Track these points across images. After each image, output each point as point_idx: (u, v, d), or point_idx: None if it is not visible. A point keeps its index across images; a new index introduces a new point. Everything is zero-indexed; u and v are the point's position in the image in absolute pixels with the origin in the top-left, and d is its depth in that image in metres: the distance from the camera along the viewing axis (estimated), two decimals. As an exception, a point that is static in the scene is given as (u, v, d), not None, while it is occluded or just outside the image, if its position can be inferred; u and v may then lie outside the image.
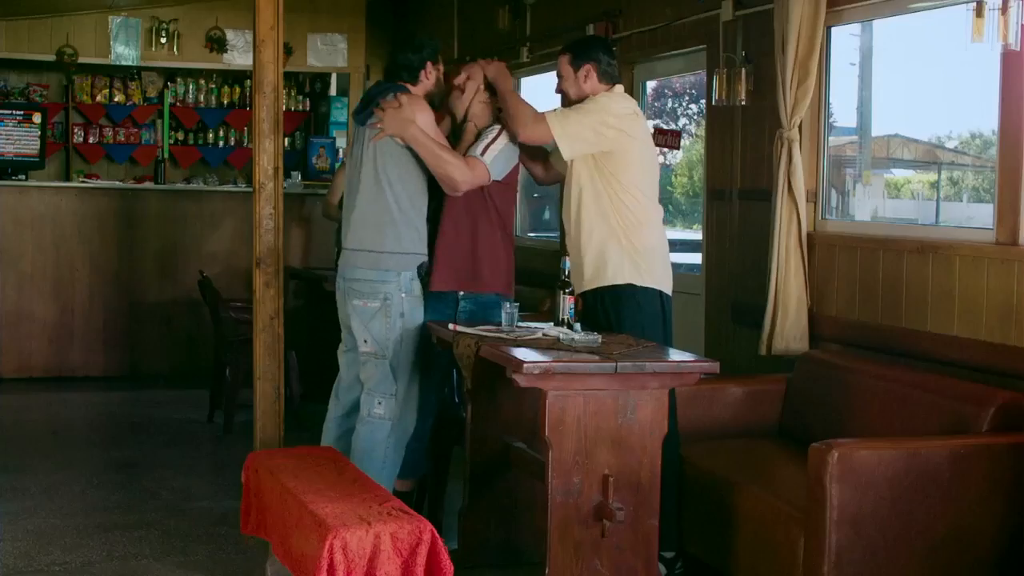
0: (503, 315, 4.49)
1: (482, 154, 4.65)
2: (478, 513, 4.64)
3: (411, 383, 4.67)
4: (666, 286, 4.63)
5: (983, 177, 5.38)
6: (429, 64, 4.74)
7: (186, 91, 10.92)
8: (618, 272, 4.53)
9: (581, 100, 4.64)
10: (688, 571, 4.50)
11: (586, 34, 7.09)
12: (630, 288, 4.53)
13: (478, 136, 4.75)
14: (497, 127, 4.75)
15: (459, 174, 4.57)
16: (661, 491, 4.01)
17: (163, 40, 10.35)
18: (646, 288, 4.55)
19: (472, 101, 4.81)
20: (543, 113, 4.59)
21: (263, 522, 4.27)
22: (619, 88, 4.69)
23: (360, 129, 4.75)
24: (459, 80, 4.83)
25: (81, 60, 10.22)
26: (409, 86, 4.71)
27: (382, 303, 4.58)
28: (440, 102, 4.86)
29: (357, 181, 4.71)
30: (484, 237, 4.76)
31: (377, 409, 4.61)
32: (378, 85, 4.89)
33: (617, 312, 4.52)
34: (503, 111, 4.70)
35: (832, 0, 5.09)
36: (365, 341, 4.64)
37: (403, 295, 4.60)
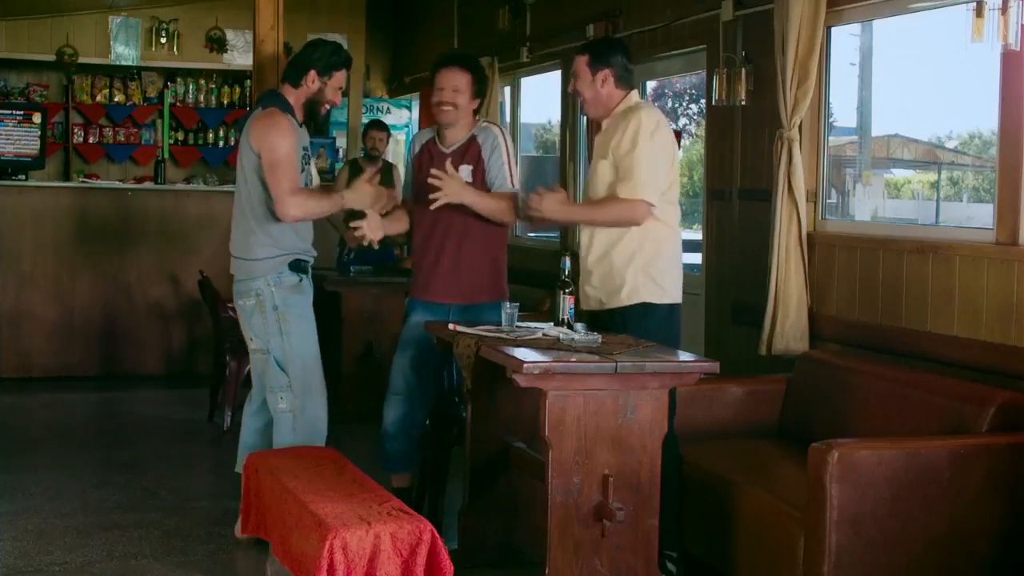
0: (503, 315, 4.49)
1: (513, 184, 4.77)
2: (478, 513, 4.64)
3: (305, 372, 4.70)
4: (678, 297, 4.55)
5: (983, 177, 5.38)
6: (313, 72, 4.70)
7: (186, 91, 10.92)
8: (633, 293, 4.44)
9: (596, 102, 4.54)
10: (688, 571, 4.50)
11: (585, 34, 7.10)
12: (642, 306, 4.45)
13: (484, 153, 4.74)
14: (497, 137, 4.74)
15: (510, 217, 4.79)
16: (662, 491, 4.01)
17: (163, 40, 10.36)
18: (657, 305, 4.46)
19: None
20: (626, 200, 4.37)
21: (263, 522, 4.27)
22: (635, 95, 4.59)
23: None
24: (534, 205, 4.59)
25: (81, 60, 10.23)
26: (290, 87, 4.73)
27: (256, 299, 4.70)
28: (318, 109, 4.83)
29: (237, 190, 4.81)
30: (467, 250, 4.79)
31: (281, 404, 4.70)
32: (263, 95, 4.91)
33: (624, 327, 4.47)
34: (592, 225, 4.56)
35: (832, 0, 5.09)
36: (251, 339, 4.78)
37: (273, 288, 4.68)
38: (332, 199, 4.75)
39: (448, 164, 4.69)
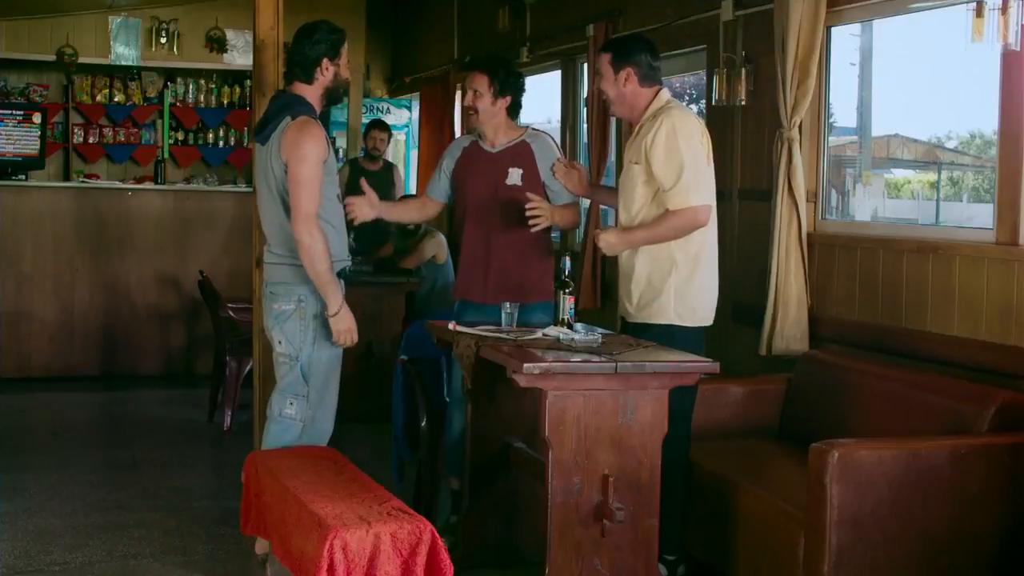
0: (503, 315, 4.49)
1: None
2: (478, 513, 4.64)
3: (324, 386, 4.57)
4: (708, 319, 4.48)
5: (983, 177, 5.38)
6: (325, 60, 4.52)
7: (186, 91, 10.91)
8: (663, 312, 4.39)
9: (620, 101, 4.48)
10: (688, 571, 4.50)
11: (585, 34, 7.10)
12: (670, 327, 4.39)
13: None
14: (552, 148, 4.89)
15: (577, 223, 5.10)
16: (668, 494, 4.01)
17: (163, 40, 10.35)
18: (685, 327, 4.41)
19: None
20: (680, 210, 4.30)
21: (263, 522, 4.27)
22: (665, 94, 4.49)
23: (260, 148, 4.57)
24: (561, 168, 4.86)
25: (81, 60, 10.22)
26: (304, 85, 4.54)
27: (296, 304, 4.49)
28: (343, 95, 4.76)
29: (262, 198, 4.61)
30: (516, 253, 4.83)
31: (288, 409, 4.55)
32: (275, 99, 4.68)
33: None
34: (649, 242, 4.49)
35: (832, 0, 5.09)
36: (279, 342, 4.56)
37: (316, 295, 4.47)
38: (333, 284, 4.43)
39: (531, 195, 4.74)
